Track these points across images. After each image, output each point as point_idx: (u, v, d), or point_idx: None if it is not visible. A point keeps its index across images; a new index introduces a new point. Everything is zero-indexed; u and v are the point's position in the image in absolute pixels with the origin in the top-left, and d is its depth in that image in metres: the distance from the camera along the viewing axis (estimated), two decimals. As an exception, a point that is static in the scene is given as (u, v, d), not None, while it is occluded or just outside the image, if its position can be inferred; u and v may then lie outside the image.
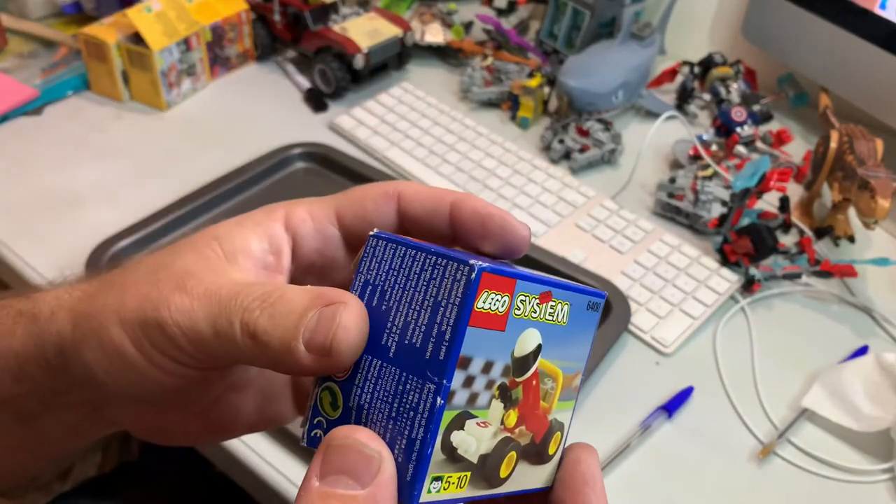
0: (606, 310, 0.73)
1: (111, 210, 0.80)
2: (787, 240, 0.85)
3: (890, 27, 0.87)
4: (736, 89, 1.01)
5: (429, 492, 0.26)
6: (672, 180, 0.87)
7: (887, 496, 0.64)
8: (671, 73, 1.07)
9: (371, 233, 0.28)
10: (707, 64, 1.05)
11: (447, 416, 0.25)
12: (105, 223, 0.77)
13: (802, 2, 0.95)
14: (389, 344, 0.26)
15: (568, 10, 1.05)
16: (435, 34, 1.08)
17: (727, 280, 0.79)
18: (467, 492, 0.27)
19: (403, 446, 0.26)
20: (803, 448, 0.67)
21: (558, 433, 0.31)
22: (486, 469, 0.27)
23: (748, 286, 0.79)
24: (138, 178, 0.86)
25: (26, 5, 1.06)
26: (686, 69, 1.06)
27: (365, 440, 0.25)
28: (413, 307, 0.26)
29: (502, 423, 0.28)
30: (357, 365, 0.27)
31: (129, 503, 0.79)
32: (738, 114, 0.96)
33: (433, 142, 0.93)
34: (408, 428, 0.26)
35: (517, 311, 0.27)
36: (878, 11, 0.88)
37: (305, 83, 1.01)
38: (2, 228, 0.79)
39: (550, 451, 0.30)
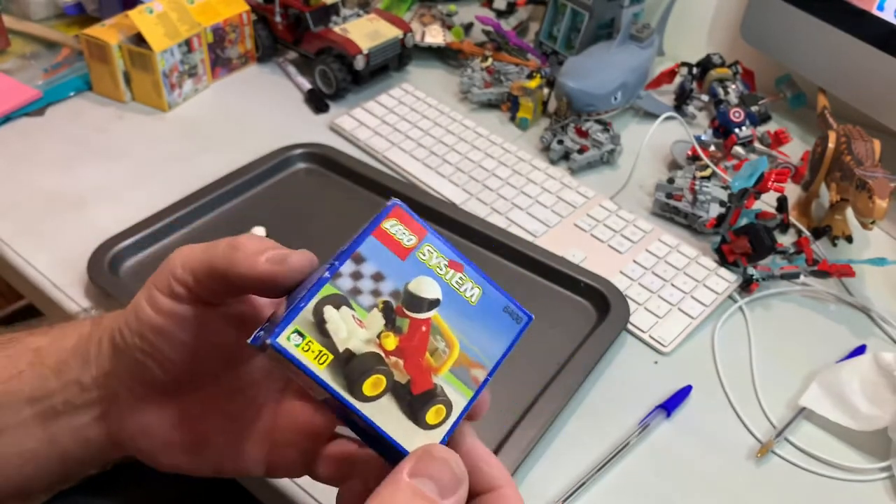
0: (605, 309, 0.74)
1: (113, 210, 0.81)
2: (785, 240, 0.85)
3: (887, 28, 0.88)
4: (734, 90, 1.02)
5: (288, 339, 0.31)
6: (670, 181, 0.88)
7: (885, 495, 0.64)
8: (670, 74, 1.07)
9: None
10: (705, 65, 1.05)
11: (327, 289, 0.32)
12: (107, 223, 0.77)
13: (800, 3, 0.95)
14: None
15: (567, 11, 1.05)
16: (435, 35, 1.08)
17: (725, 280, 0.80)
18: (325, 375, 0.32)
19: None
20: (801, 447, 0.67)
21: (442, 407, 0.33)
22: (348, 368, 0.32)
23: (746, 286, 0.79)
24: (140, 179, 0.87)
25: (28, 6, 1.06)
26: (685, 70, 1.06)
27: (457, 462, 0.31)
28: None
29: (379, 338, 0.33)
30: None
31: (129, 501, 0.79)
32: (736, 114, 0.96)
33: (433, 143, 0.94)
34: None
35: (421, 255, 0.34)
36: (875, 12, 0.89)
37: (306, 84, 1.02)
38: (4, 228, 0.79)
39: (428, 419, 0.33)
